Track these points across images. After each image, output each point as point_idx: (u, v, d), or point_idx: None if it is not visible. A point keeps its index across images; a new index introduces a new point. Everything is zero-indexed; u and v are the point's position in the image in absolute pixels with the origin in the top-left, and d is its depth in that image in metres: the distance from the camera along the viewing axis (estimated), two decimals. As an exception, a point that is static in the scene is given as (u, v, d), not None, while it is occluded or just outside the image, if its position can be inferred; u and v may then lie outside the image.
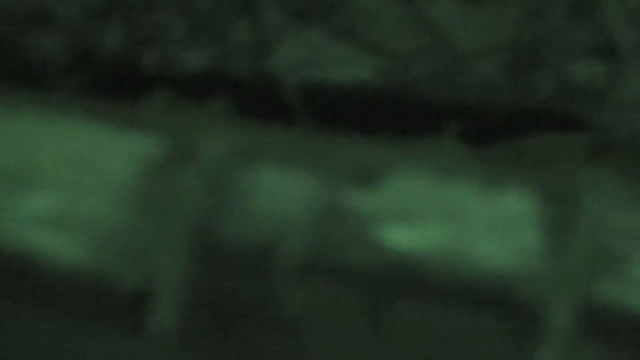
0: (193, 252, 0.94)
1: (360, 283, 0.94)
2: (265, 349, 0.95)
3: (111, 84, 0.98)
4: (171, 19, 0.94)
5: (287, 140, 0.97)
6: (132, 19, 1.02)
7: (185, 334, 0.95)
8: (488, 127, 0.99)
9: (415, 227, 0.93)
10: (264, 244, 0.93)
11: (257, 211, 0.93)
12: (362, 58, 1.01)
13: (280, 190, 0.93)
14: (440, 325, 0.93)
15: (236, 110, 0.96)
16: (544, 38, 0.95)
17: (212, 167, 0.94)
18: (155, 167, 0.95)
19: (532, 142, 0.99)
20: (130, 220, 0.95)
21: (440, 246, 0.93)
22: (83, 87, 0.96)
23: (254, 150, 0.95)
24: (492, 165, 0.95)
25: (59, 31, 1.06)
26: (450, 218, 0.94)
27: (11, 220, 0.99)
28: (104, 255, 0.96)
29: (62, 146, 0.95)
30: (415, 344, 0.95)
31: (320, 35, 0.97)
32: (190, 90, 0.95)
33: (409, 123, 0.99)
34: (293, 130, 0.97)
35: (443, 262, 0.93)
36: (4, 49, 0.96)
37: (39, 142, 0.95)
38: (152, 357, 0.96)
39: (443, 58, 0.97)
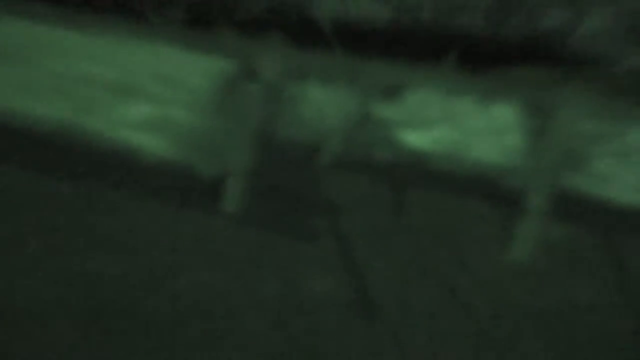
0: (256, 148, 1.21)
1: (384, 173, 1.21)
2: (307, 225, 1.22)
3: (193, 20, 1.24)
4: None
5: (327, 63, 1.22)
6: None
7: (250, 212, 1.22)
8: (481, 56, 1.23)
9: (426, 130, 1.19)
10: (310, 142, 1.19)
11: (304, 117, 1.19)
12: (385, 1, 1.26)
13: (322, 101, 1.19)
14: (443, 206, 1.20)
15: (289, 40, 1.21)
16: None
17: (270, 83, 1.20)
18: (227, 83, 1.21)
19: (517, 68, 1.24)
20: (208, 124, 1.21)
21: (445, 146, 1.19)
22: (173, 21, 1.22)
23: (301, 70, 1.20)
24: (485, 86, 1.20)
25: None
26: (452, 125, 1.20)
27: (115, 124, 1.26)
28: (187, 151, 1.23)
29: (156, 66, 1.21)
30: (426, 220, 1.21)
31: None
32: (255, 27, 1.20)
33: (421, 52, 1.24)
34: (332, 56, 1.23)
35: (447, 158, 1.19)
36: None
37: (139, 63, 1.21)
38: (225, 230, 1.23)
39: (446, 3, 1.21)
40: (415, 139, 1.19)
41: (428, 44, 1.26)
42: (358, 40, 1.27)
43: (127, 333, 1.20)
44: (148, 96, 1.20)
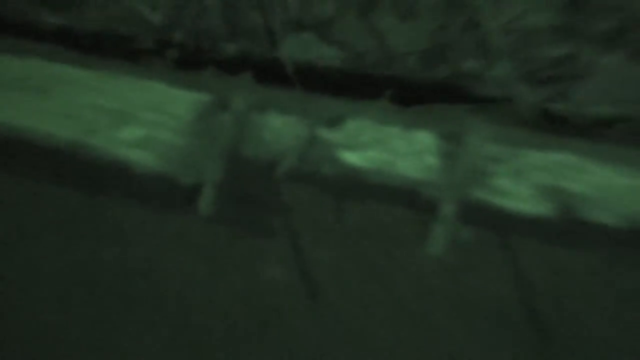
0: (226, 163, 1.49)
1: (328, 184, 1.49)
2: (266, 224, 1.51)
3: (182, 61, 1.54)
4: (217, 21, 1.49)
5: (285, 97, 1.52)
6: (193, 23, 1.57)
7: (220, 214, 1.51)
8: (411, 94, 1.53)
9: (362, 151, 1.49)
10: (270, 159, 1.48)
11: (265, 139, 1.48)
12: (335, 51, 1.56)
13: (280, 127, 1.48)
14: (375, 211, 1.48)
15: (256, 78, 1.51)
16: (447, 43, 1.49)
17: (239, 112, 1.49)
18: (204, 112, 1.50)
19: (438, 104, 1.54)
20: (188, 143, 1.50)
21: (376, 164, 1.48)
22: (166, 62, 1.52)
23: (264, 103, 1.50)
24: (410, 117, 1.50)
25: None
26: (383, 147, 1.49)
27: (113, 142, 1.55)
28: (171, 164, 1.51)
29: (149, 97, 1.50)
30: (361, 222, 1.50)
31: (309, 37, 1.52)
32: (229, 67, 1.49)
33: (360, 91, 1.54)
34: (290, 91, 1.52)
35: (378, 173, 1.48)
36: (115, 40, 1.52)
37: (135, 94, 1.50)
38: (201, 227, 1.51)
39: (384, 53, 1.51)
40: (353, 157, 1.48)
41: (369, 84, 1.56)
42: (313, 79, 1.57)
43: (123, 308, 1.49)
44: (141, 121, 1.49)
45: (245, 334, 1.47)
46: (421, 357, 1.44)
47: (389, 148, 1.48)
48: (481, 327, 1.47)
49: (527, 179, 1.48)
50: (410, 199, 1.49)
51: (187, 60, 1.50)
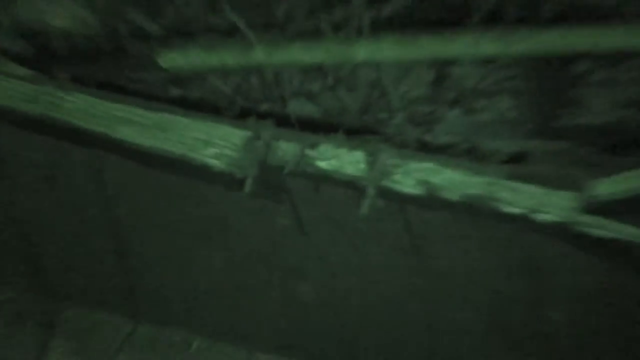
0: (259, 167, 2.91)
1: (311, 178, 2.90)
2: (280, 197, 2.93)
3: (239, 114, 2.95)
4: (257, 92, 2.90)
5: (290, 133, 2.92)
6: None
7: (256, 192, 2.94)
8: (355, 133, 2.92)
9: (327, 161, 2.88)
10: (281, 165, 2.88)
11: (279, 155, 2.88)
12: (315, 107, 2.96)
13: (287, 148, 2.88)
14: (333, 192, 2.90)
15: (276, 123, 2.92)
16: (370, 103, 2.88)
17: (267, 141, 2.90)
18: (248, 141, 2.90)
19: (366, 136, 2.92)
20: (240, 157, 2.91)
21: (334, 168, 2.87)
22: (229, 114, 2.94)
23: (279, 136, 2.91)
24: (352, 143, 2.88)
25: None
26: (338, 159, 2.87)
27: (202, 155, 2.96)
28: (231, 167, 2.92)
29: (220, 133, 2.89)
30: (327, 198, 2.92)
31: (302, 99, 2.92)
32: (261, 117, 2.91)
33: (327, 129, 2.94)
34: (293, 130, 2.93)
35: (335, 173, 2.87)
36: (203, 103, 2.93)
37: (213, 131, 2.89)
38: (246, 199, 2.95)
39: (343, 110, 2.91)
40: (323, 164, 2.77)
41: (332, 127, 2.94)
42: (304, 124, 2.95)
43: (204, 241, 2.96)
44: (216, 145, 2.82)
45: (262, 255, 2.92)
46: (348, 266, 2.88)
47: (341, 159, 2.79)
48: (375, 250, 2.89)
49: (411, 176, 2.83)
50: (352, 185, 2.86)
51: (241, 113, 2.90)
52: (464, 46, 2.75)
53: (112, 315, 3.13)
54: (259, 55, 2.82)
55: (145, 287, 3.09)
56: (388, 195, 2.64)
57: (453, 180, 2.61)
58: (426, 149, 2.74)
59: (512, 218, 2.66)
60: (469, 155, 2.83)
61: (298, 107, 2.89)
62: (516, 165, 2.80)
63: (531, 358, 2.88)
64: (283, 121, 2.72)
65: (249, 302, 3.10)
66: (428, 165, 2.64)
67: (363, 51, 2.79)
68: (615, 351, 2.82)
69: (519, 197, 2.66)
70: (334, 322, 2.98)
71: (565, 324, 2.83)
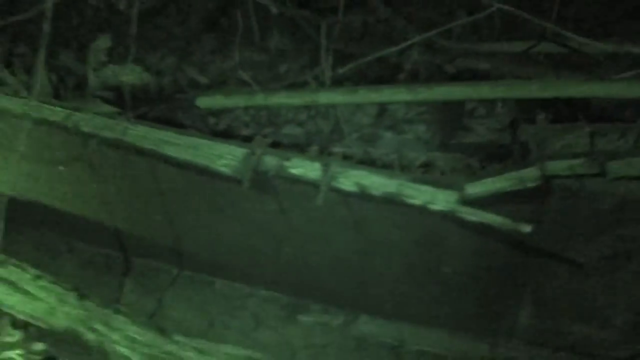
0: (252, 171, 4.48)
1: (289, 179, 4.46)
2: (267, 186, 4.50)
3: (246, 138, 4.52)
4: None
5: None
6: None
7: (250, 186, 4.51)
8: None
9: (300, 169, 4.44)
10: (265, 171, 4.44)
11: (263, 167, 4.44)
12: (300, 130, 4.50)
13: (269, 162, 4.44)
14: (302, 188, 4.46)
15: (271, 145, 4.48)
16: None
17: (256, 156, 4.47)
18: (246, 156, 4.47)
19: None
20: (240, 166, 4.49)
21: (302, 173, 4.42)
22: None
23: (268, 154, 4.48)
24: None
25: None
26: (303, 169, 4.43)
27: (215, 164, 4.54)
28: (235, 172, 4.50)
29: (228, 151, 4.47)
30: (297, 191, 4.48)
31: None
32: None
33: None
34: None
35: (304, 176, 4.43)
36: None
37: (224, 150, 4.46)
38: (246, 190, 4.54)
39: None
40: (295, 171, 4.43)
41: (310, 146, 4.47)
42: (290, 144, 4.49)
43: (227, 215, 4.57)
44: (226, 158, 4.41)
45: (258, 226, 4.50)
46: (314, 236, 4.45)
47: (306, 168, 4.37)
48: (330, 226, 4.44)
49: (350, 179, 4.33)
50: (313, 185, 4.38)
51: (251, 135, 4.47)
52: (391, 94, 4.24)
53: (164, 264, 4.83)
54: (259, 99, 4.38)
55: (185, 245, 4.74)
56: (336, 191, 3.99)
57: (376, 182, 3.90)
58: (369, 159, 4.15)
59: (415, 207, 4.16)
60: (397, 162, 4.35)
61: (289, 130, 4.44)
62: (418, 172, 4.30)
63: (430, 295, 4.43)
64: (277, 141, 4.22)
65: (256, 258, 4.73)
66: (361, 172, 3.85)
67: (324, 97, 4.30)
68: (485, 291, 4.35)
69: (419, 194, 4.15)
70: (307, 271, 4.56)
71: (453, 275, 4.36)
